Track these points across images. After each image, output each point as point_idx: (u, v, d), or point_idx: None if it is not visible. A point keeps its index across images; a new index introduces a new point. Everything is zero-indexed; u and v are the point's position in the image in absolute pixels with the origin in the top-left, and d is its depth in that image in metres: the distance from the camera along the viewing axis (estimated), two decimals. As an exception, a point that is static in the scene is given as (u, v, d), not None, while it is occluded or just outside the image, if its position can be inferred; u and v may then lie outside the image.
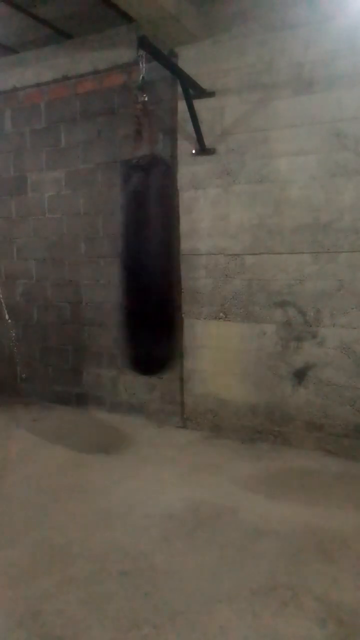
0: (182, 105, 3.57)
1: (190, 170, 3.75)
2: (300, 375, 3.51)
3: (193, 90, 3.48)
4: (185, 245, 3.82)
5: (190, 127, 3.54)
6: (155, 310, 2.83)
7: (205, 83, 3.55)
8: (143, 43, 2.69)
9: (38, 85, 4.35)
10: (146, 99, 2.71)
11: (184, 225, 3.81)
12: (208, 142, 3.62)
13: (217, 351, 3.80)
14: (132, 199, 2.78)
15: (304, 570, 2.20)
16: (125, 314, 2.94)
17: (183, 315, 3.91)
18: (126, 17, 3.57)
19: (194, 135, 3.55)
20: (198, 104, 3.51)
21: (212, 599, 2.04)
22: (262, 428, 3.67)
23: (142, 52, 2.68)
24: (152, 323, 2.83)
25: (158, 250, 2.82)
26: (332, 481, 3.06)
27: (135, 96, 2.73)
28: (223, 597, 2.05)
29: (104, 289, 4.28)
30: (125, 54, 3.85)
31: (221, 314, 3.75)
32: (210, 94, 3.57)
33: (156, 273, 2.83)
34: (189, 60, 3.60)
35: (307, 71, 3.29)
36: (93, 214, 4.25)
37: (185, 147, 3.74)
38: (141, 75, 2.69)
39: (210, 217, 3.72)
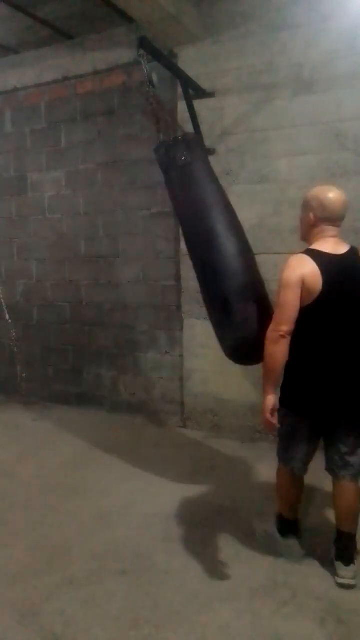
0: (182, 106, 3.57)
1: (190, 170, 3.74)
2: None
3: (193, 91, 3.48)
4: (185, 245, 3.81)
5: (190, 128, 3.53)
6: None
7: (205, 83, 3.55)
8: (143, 44, 2.70)
9: (38, 85, 4.35)
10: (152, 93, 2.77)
11: (184, 225, 3.80)
12: (208, 142, 3.60)
13: (218, 351, 3.78)
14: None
15: (304, 570, 2.21)
16: None
17: (183, 315, 3.91)
18: (126, 18, 3.57)
19: (194, 135, 3.56)
20: (198, 104, 3.51)
21: (212, 599, 2.05)
22: (262, 428, 3.66)
23: (142, 52, 2.68)
24: None
25: None
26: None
27: (147, 91, 2.78)
28: (223, 596, 2.06)
29: (104, 289, 4.28)
30: (125, 54, 3.85)
31: (221, 314, 3.75)
32: (211, 95, 3.57)
33: None
34: (189, 60, 3.60)
35: (307, 71, 3.29)
36: (93, 214, 4.25)
37: (186, 147, 3.74)
38: (146, 72, 2.70)
39: (210, 217, 3.71)
